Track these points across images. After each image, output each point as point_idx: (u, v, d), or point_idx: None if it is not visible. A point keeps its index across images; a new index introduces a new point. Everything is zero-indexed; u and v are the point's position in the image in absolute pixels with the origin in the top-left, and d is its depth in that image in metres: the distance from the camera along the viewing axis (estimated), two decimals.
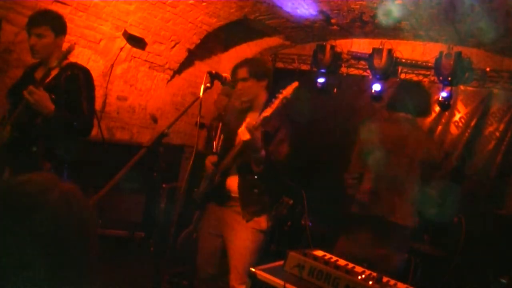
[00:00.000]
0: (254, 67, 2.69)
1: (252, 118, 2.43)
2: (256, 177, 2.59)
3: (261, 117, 2.35)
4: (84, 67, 2.71)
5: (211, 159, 2.78)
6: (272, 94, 2.59)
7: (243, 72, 2.67)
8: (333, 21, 4.81)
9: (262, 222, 2.66)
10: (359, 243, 2.81)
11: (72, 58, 2.87)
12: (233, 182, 2.69)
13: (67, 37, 2.77)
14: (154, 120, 5.14)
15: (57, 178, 0.84)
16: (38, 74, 2.62)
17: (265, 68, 2.81)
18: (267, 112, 2.33)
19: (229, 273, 2.69)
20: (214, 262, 2.84)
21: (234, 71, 2.70)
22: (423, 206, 2.95)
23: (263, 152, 2.47)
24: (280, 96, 2.32)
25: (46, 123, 2.45)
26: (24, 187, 0.80)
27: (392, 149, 2.83)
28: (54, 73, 2.54)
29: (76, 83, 2.58)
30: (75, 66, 2.63)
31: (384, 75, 5.08)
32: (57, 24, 2.61)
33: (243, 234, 2.64)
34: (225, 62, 6.04)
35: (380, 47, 5.04)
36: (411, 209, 2.88)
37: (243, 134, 2.39)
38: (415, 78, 5.09)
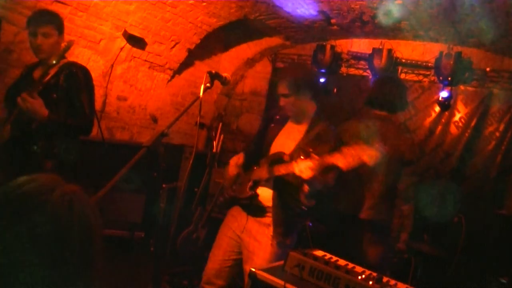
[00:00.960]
0: (293, 82, 2.51)
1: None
2: (302, 207, 2.47)
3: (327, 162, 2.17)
4: (83, 66, 2.71)
5: (236, 160, 2.69)
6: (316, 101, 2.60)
7: (283, 88, 2.53)
8: (333, 21, 4.81)
9: (287, 240, 2.55)
10: (335, 240, 2.85)
11: (72, 58, 2.88)
12: (265, 194, 2.55)
13: (67, 36, 2.78)
14: (154, 120, 5.14)
15: (59, 179, 0.84)
16: (37, 74, 2.62)
17: (306, 80, 2.57)
18: (339, 161, 2.13)
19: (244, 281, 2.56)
20: (225, 273, 2.69)
21: (277, 84, 2.61)
22: (395, 201, 2.99)
23: (318, 187, 2.35)
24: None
25: (42, 127, 2.46)
26: (25, 187, 0.80)
27: None
28: (53, 71, 2.54)
29: (75, 82, 2.57)
30: (73, 65, 2.63)
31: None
32: (59, 23, 2.63)
33: (268, 249, 2.51)
34: (225, 62, 6.04)
35: (380, 47, 5.04)
36: (381, 204, 2.90)
37: (301, 169, 2.21)
38: (415, 78, 5.09)
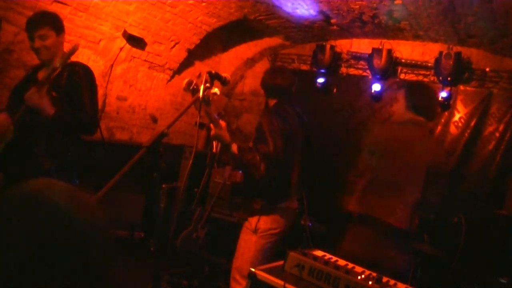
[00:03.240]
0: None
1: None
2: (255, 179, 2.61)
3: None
4: (85, 65, 2.71)
5: None
6: None
7: None
8: (333, 21, 4.81)
9: (252, 222, 2.69)
10: (359, 243, 2.79)
11: (72, 58, 2.87)
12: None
13: (67, 37, 2.77)
14: (154, 120, 5.14)
15: (59, 181, 0.84)
16: (41, 75, 2.62)
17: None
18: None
19: None
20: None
21: None
22: (422, 211, 2.92)
23: (233, 148, 2.54)
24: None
25: (47, 125, 2.46)
26: (30, 190, 0.80)
27: (396, 151, 2.74)
28: (55, 72, 2.54)
29: (77, 81, 2.57)
30: (76, 64, 2.63)
31: (383, 75, 5.08)
32: (56, 23, 2.61)
33: (240, 233, 2.78)
34: (225, 62, 6.04)
35: (380, 47, 5.04)
36: (410, 213, 2.84)
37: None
38: (414, 78, 5.09)
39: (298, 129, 2.79)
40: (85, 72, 2.63)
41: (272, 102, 2.87)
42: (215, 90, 2.22)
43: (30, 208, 0.76)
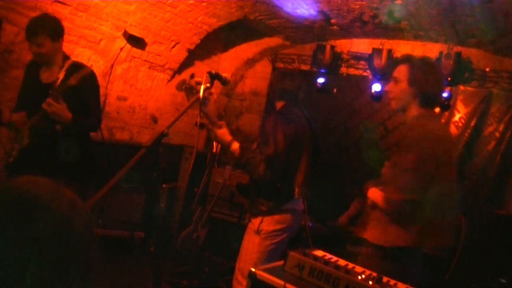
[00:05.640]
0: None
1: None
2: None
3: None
4: (88, 66, 2.78)
5: None
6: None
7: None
8: (333, 21, 4.81)
9: (255, 223, 2.69)
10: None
11: (73, 58, 2.91)
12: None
13: (67, 37, 2.80)
14: (154, 120, 5.14)
15: (58, 183, 0.85)
16: (43, 75, 2.73)
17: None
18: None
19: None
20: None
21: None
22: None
23: (234, 147, 2.54)
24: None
25: (65, 129, 2.58)
26: (26, 189, 0.80)
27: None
28: (61, 74, 2.65)
29: (86, 85, 2.65)
30: (79, 66, 2.69)
31: (384, 75, 5.08)
32: (53, 29, 2.67)
33: (244, 234, 2.78)
34: (225, 62, 6.05)
35: (380, 47, 5.04)
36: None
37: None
38: None
39: (305, 131, 2.78)
40: (91, 76, 2.71)
41: (279, 104, 2.86)
42: (212, 90, 2.23)
43: (13, 202, 0.77)
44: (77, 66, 2.67)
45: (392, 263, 2.15)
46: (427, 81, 2.22)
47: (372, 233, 2.22)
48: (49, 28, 2.64)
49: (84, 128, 2.74)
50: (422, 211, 2.09)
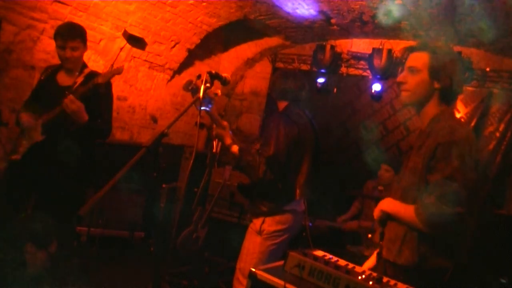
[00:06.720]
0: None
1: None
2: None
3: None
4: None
5: None
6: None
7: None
8: (333, 21, 4.81)
9: (257, 223, 2.69)
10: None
11: None
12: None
13: None
14: (154, 120, 5.14)
15: None
16: (61, 78, 2.78)
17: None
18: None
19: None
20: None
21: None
22: None
23: (233, 149, 2.55)
24: None
25: (77, 131, 2.61)
26: None
27: None
28: (79, 80, 2.72)
29: (101, 92, 2.71)
30: (95, 74, 2.74)
31: (384, 75, 5.08)
32: (85, 36, 2.81)
33: (245, 234, 2.78)
34: (225, 62, 6.04)
35: (380, 47, 5.04)
36: None
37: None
38: None
39: (308, 132, 2.77)
40: (107, 85, 2.79)
41: (282, 105, 2.85)
42: (217, 91, 2.24)
43: None
44: (94, 74, 2.73)
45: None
46: (453, 73, 1.89)
47: (406, 256, 1.94)
48: (82, 34, 2.77)
49: (94, 133, 2.79)
50: (468, 226, 1.89)
